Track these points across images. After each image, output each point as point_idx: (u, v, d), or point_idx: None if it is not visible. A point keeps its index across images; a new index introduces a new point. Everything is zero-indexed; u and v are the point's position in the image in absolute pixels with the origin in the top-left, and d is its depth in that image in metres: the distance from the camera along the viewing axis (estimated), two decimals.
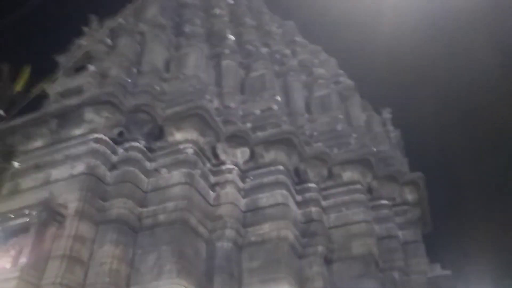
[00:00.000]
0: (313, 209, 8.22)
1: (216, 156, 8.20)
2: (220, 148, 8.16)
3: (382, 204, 8.91)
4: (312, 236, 7.91)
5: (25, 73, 10.75)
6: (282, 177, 7.92)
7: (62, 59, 9.06)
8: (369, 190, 8.88)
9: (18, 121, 7.97)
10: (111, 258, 6.86)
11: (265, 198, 7.83)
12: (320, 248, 7.77)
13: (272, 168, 8.02)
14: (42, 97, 8.46)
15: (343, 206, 8.46)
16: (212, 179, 7.98)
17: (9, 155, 7.87)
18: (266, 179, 8.03)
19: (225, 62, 9.99)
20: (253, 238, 7.55)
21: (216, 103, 8.86)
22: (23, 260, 6.65)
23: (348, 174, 8.70)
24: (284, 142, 8.18)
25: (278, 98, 9.37)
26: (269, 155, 8.17)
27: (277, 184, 7.94)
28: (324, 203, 8.52)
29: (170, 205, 7.31)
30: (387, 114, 11.66)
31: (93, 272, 6.75)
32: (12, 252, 6.88)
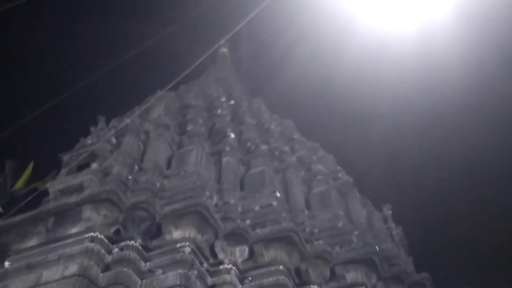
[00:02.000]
0: None
1: (214, 255, 7.96)
2: (219, 246, 7.95)
3: None
4: None
5: (28, 170, 10.93)
6: (282, 279, 7.58)
7: (66, 157, 9.26)
8: None
9: (15, 218, 7.89)
10: None
11: None
12: None
13: (272, 268, 7.72)
14: (44, 195, 8.49)
15: None
16: (209, 280, 7.64)
17: (1, 254, 7.64)
18: (265, 281, 7.68)
19: (225, 159, 10.20)
20: None
21: (215, 199, 8.86)
22: None
23: (352, 275, 8.35)
24: (284, 240, 7.99)
25: (278, 194, 9.37)
26: (269, 254, 7.93)
27: (277, 286, 7.58)
28: None
29: None
30: (387, 210, 11.57)
31: None
32: None
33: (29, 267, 7.44)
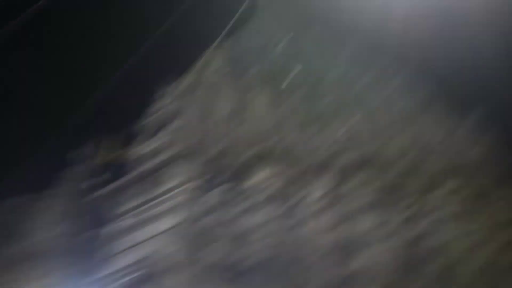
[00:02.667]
0: None
1: (300, 189, 8.11)
2: (304, 179, 8.07)
3: None
4: None
5: (109, 144, 11.62)
6: (372, 200, 7.58)
7: (144, 122, 9.66)
8: None
9: (112, 186, 8.51)
10: None
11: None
12: None
13: (362, 191, 7.74)
14: (131, 162, 9.01)
15: None
16: (298, 214, 7.85)
17: (109, 219, 8.37)
18: (355, 205, 7.73)
19: (291, 98, 10.06)
20: None
21: (291, 136, 8.86)
22: None
23: None
24: (369, 163, 7.91)
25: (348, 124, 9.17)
26: (355, 180, 7.88)
27: (368, 208, 7.63)
28: None
29: (267, 243, 7.28)
30: None
31: None
32: None
33: (133, 227, 8.09)
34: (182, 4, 10.00)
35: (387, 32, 9.63)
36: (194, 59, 11.21)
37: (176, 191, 7.87)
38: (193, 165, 8.15)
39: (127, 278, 7.40)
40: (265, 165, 7.98)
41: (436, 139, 9.34)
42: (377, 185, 7.85)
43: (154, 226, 7.99)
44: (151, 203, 8.15)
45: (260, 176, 8.04)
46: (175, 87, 10.10)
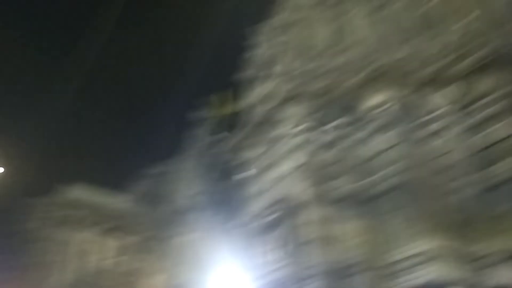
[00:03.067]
0: None
1: (421, 105, 7.86)
2: (424, 96, 7.83)
3: None
4: None
5: (228, 97, 11.99)
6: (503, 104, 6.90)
7: (250, 73, 9.80)
8: None
9: (238, 137, 8.87)
10: (358, 231, 7.09)
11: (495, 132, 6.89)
12: None
13: (490, 98, 7.02)
14: (245, 112, 9.24)
15: None
16: (426, 129, 7.66)
17: (242, 166, 8.78)
18: (484, 113, 7.07)
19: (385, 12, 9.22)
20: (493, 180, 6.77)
21: (406, 50, 8.15)
22: (287, 248, 7.32)
23: None
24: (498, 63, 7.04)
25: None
26: (482, 85, 7.08)
27: (498, 116, 6.89)
28: None
29: (394, 168, 7.29)
30: None
31: (348, 247, 7.05)
32: (276, 244, 7.66)
33: (267, 169, 8.48)
34: None
35: None
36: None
37: (293, 131, 8.03)
38: (305, 103, 8.24)
39: (264, 220, 7.83)
40: (378, 88, 7.75)
41: None
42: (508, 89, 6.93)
43: (279, 168, 8.28)
44: (272, 147, 8.37)
45: (375, 101, 7.90)
46: (269, 30, 9.91)
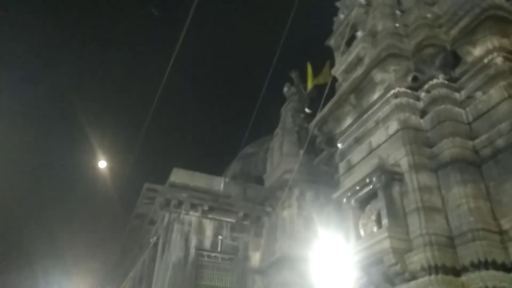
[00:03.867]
0: None
1: None
2: None
3: None
4: None
5: (309, 70, 11.99)
6: None
7: (331, 41, 9.53)
8: None
9: (324, 110, 8.64)
10: (465, 198, 6.53)
11: None
12: None
13: None
14: (337, 79, 8.98)
15: None
16: None
17: (331, 140, 8.57)
18: None
19: None
20: None
21: None
22: (385, 221, 6.94)
23: None
24: None
25: None
26: None
27: None
28: None
29: (504, 126, 6.56)
30: None
31: (453, 216, 6.52)
32: (373, 217, 7.29)
33: (357, 140, 8.11)
34: None
35: None
36: None
37: (387, 96, 7.57)
38: (397, 65, 7.71)
39: (359, 193, 7.54)
40: (479, 38, 6.91)
41: None
42: None
43: (372, 138, 7.92)
44: (363, 117, 8.02)
45: (476, 53, 7.14)
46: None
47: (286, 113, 13.84)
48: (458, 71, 7.38)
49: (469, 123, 7.12)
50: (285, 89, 14.07)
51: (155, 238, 13.44)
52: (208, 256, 12.80)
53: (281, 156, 13.18)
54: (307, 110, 13.32)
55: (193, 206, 13.14)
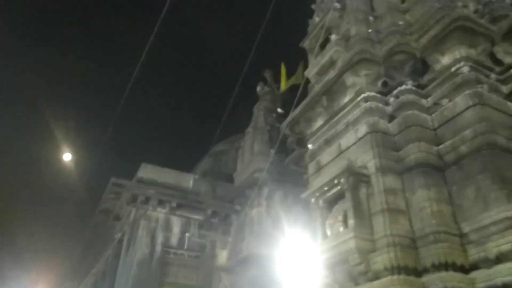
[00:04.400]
0: None
1: (497, 62, 7.39)
2: (500, 51, 7.32)
3: None
4: None
5: (282, 72, 12.01)
6: None
7: (305, 43, 9.61)
8: None
9: (296, 111, 8.70)
10: (428, 201, 6.75)
11: None
12: None
13: None
14: (309, 81, 9.05)
15: None
16: (504, 88, 7.18)
17: (302, 140, 8.64)
18: None
19: None
20: None
21: (472, 6, 8.01)
22: (351, 221, 7.09)
23: None
24: None
25: None
26: None
27: None
28: None
29: (468, 133, 6.80)
30: None
31: (417, 218, 6.73)
32: (339, 217, 7.42)
33: (327, 142, 8.22)
34: None
35: None
36: None
37: (358, 99, 7.72)
38: (368, 70, 7.87)
39: (326, 194, 7.65)
40: (448, 47, 7.10)
41: None
42: None
43: (341, 141, 8.05)
44: (333, 120, 8.16)
45: (444, 61, 7.36)
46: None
47: (259, 112, 13.88)
48: (426, 78, 7.60)
49: (434, 129, 7.33)
50: (259, 88, 14.12)
51: (120, 234, 13.18)
52: (175, 254, 12.67)
53: (252, 155, 13.21)
54: (279, 110, 13.41)
55: (161, 203, 12.98)
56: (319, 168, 8.27)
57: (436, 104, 7.41)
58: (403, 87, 7.54)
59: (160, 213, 12.98)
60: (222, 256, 13.12)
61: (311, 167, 8.43)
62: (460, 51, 7.11)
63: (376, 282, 6.29)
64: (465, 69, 7.05)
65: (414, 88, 7.54)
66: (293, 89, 10.40)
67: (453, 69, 7.17)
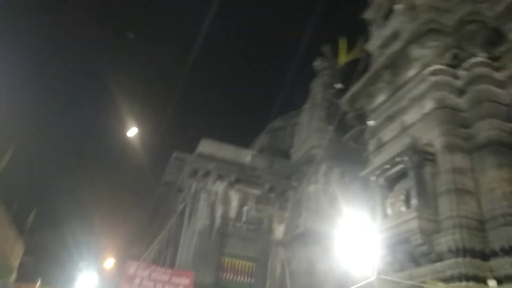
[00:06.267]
0: None
1: None
2: None
3: None
4: None
5: (342, 45, 11.75)
6: None
7: (368, 14, 9.20)
8: None
9: (357, 86, 8.44)
10: (499, 182, 6.32)
11: None
12: None
13: None
14: (371, 55, 8.74)
15: None
16: None
17: (362, 117, 8.40)
18: None
19: None
20: None
21: None
22: (414, 201, 6.83)
23: None
24: None
25: None
26: None
27: None
28: None
29: None
30: None
31: (486, 200, 6.34)
32: (401, 197, 7.18)
33: (390, 118, 7.92)
34: None
35: None
36: None
37: (424, 73, 7.29)
38: (436, 41, 7.38)
39: (388, 172, 7.42)
40: None
41: None
42: None
43: (405, 117, 7.71)
44: (402, 91, 7.74)
45: None
46: None
47: (317, 88, 13.63)
48: (500, 49, 7.04)
49: (507, 105, 6.82)
50: (316, 63, 13.80)
51: (182, 205, 13.77)
52: (233, 226, 13.05)
53: (309, 131, 13.08)
54: (338, 85, 13.07)
55: (220, 177, 13.32)
56: (380, 145, 8.03)
57: (511, 77, 6.87)
58: (475, 59, 7.04)
59: (219, 187, 13.36)
60: (279, 231, 13.32)
61: (372, 144, 8.20)
62: None
63: (438, 264, 6.11)
64: None
65: (486, 60, 7.02)
66: (352, 64, 10.05)
67: None
